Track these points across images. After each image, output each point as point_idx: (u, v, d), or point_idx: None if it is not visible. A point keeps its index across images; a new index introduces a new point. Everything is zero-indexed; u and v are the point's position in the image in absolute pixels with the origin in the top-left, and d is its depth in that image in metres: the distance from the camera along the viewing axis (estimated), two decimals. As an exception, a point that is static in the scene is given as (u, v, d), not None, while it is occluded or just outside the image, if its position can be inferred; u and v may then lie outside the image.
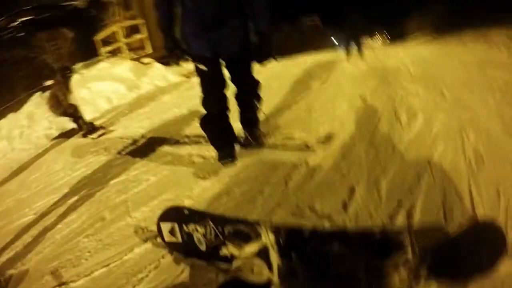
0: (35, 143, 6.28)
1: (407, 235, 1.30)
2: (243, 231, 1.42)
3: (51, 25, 14.86)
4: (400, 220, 1.65)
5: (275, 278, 1.34)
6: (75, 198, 2.94)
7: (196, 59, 2.57)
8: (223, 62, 2.64)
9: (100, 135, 5.45)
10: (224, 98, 2.68)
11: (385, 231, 1.40)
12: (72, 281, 1.75)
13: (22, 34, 13.59)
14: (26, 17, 12.95)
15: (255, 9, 2.43)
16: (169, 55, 2.64)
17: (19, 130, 6.90)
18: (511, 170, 2.01)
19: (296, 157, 2.56)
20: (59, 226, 2.47)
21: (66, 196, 3.06)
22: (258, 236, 1.39)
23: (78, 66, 11.46)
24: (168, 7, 2.50)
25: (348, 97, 4.06)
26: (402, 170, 2.12)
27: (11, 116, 8.11)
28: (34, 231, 2.50)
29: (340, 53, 10.48)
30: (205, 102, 2.69)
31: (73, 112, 5.69)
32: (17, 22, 12.75)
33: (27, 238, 2.42)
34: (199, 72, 2.60)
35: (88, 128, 5.71)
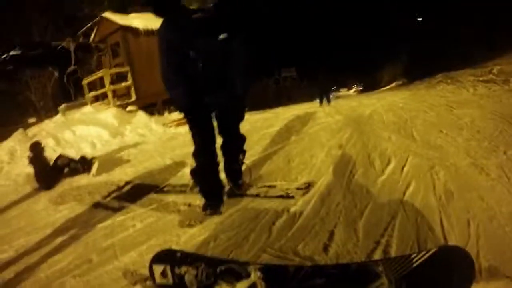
0: (15, 180, 6.13)
1: (382, 266, 1.43)
2: (234, 270, 1.52)
3: (38, 63, 15.33)
4: (378, 256, 1.77)
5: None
6: (60, 238, 2.91)
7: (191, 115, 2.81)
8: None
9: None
10: (214, 151, 2.88)
11: (361, 264, 1.52)
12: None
13: (10, 67, 13.94)
14: (16, 52, 13.14)
15: (233, 73, 2.74)
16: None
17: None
18: (479, 199, 2.20)
19: (277, 204, 2.69)
20: (43, 265, 2.44)
21: (49, 236, 3.03)
22: (248, 274, 1.50)
23: (62, 106, 11.70)
24: (183, 85, 2.66)
25: (324, 146, 4.28)
26: (377, 211, 2.28)
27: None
28: (15, 268, 2.46)
29: (316, 105, 10.99)
30: (197, 154, 2.87)
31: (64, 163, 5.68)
32: (6, 56, 12.90)
33: (7, 275, 2.38)
34: (192, 127, 2.81)
35: (83, 166, 5.69)
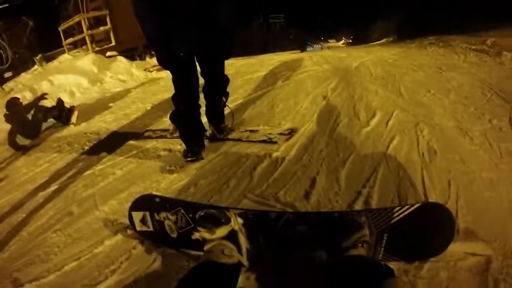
0: None
1: (365, 216, 1.41)
2: (213, 216, 1.48)
3: (10, 14, 14.29)
4: (359, 207, 1.78)
5: (244, 259, 1.44)
6: (40, 194, 2.84)
7: (174, 61, 2.58)
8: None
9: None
10: (196, 95, 2.75)
11: (344, 214, 1.51)
12: (42, 277, 1.71)
13: None
14: None
15: (220, 5, 2.49)
16: (161, 66, 2.61)
17: None
18: (461, 161, 2.22)
19: (259, 149, 2.67)
20: (24, 222, 2.39)
21: (30, 193, 2.95)
22: (227, 220, 1.46)
23: (38, 57, 11.08)
24: (156, 19, 2.40)
25: (310, 94, 4.21)
26: (359, 161, 2.28)
27: None
28: None
29: (304, 53, 10.75)
30: (177, 98, 2.74)
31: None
32: None
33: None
34: (173, 69, 2.64)
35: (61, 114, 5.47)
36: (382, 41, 19.39)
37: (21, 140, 4.94)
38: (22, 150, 4.65)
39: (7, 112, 5.16)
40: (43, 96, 5.53)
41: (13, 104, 5.32)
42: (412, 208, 1.41)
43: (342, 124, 3.02)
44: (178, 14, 2.43)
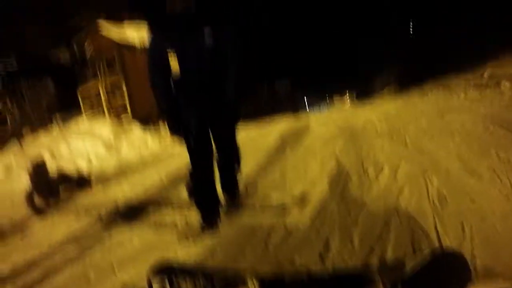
0: (10, 198, 5.99)
1: (377, 272, 1.45)
2: (231, 280, 1.53)
3: (34, 75, 15.22)
4: (373, 262, 1.80)
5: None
6: (57, 256, 2.90)
7: (186, 131, 2.77)
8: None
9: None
10: (210, 164, 2.89)
11: (357, 271, 1.54)
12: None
13: (10, 85, 14.15)
14: (12, 68, 13.46)
15: (227, 77, 2.71)
16: (172, 135, 2.79)
17: None
18: (472, 201, 2.26)
19: (273, 217, 2.72)
20: (40, 283, 2.43)
21: (46, 254, 3.01)
22: (244, 284, 1.51)
23: (57, 118, 11.84)
24: (167, 87, 2.68)
25: (319, 158, 4.33)
26: (371, 217, 2.32)
27: None
28: (11, 287, 2.46)
29: (310, 115, 11.04)
30: (191, 169, 2.86)
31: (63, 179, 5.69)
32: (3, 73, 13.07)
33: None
34: (187, 141, 2.80)
35: (80, 182, 5.75)
36: (385, 93, 19.77)
37: (39, 202, 5.13)
38: (39, 211, 4.77)
39: (32, 172, 5.40)
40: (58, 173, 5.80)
41: (38, 165, 5.58)
42: (423, 257, 1.45)
43: (351, 183, 3.09)
44: (188, 86, 2.67)
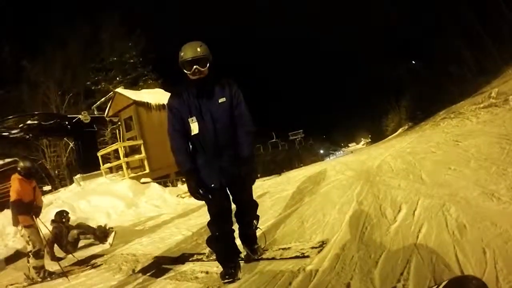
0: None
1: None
2: None
3: (54, 133, 16.17)
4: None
5: None
6: None
7: (205, 189, 2.88)
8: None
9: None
10: (230, 221, 2.98)
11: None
12: None
13: (29, 136, 14.60)
14: (33, 121, 13.78)
15: (238, 138, 2.88)
16: (192, 195, 2.90)
17: (14, 229, 6.49)
18: (492, 225, 2.24)
19: (293, 265, 2.71)
20: None
21: None
22: None
23: (77, 176, 12.19)
24: (186, 149, 2.87)
25: (336, 204, 4.31)
26: (391, 257, 2.29)
27: (6, 212, 7.84)
28: None
29: (326, 162, 11.07)
30: (212, 224, 2.96)
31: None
32: (24, 125, 13.52)
33: None
34: (206, 198, 2.90)
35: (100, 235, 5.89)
36: (399, 131, 19.80)
37: (58, 252, 5.34)
38: (58, 259, 4.89)
39: (55, 221, 5.71)
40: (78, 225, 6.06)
41: (61, 215, 5.93)
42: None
43: (370, 226, 3.07)
44: (206, 150, 2.85)
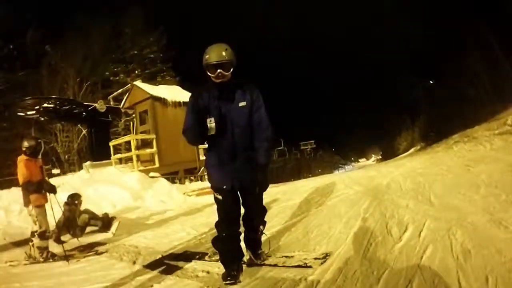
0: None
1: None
2: None
3: (69, 118, 16.59)
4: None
5: None
6: None
7: (215, 189, 2.98)
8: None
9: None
10: (238, 223, 3.03)
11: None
12: None
13: (45, 118, 15.24)
14: (50, 104, 14.14)
15: (256, 143, 2.94)
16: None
17: (19, 207, 6.64)
18: (497, 253, 2.26)
19: (295, 274, 2.73)
20: None
21: (64, 284, 3.16)
22: None
23: (87, 163, 12.30)
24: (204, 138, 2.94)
25: (343, 218, 4.33)
26: (394, 276, 2.31)
27: (14, 190, 8.03)
28: None
29: (336, 175, 11.05)
30: (219, 225, 3.01)
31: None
32: (40, 107, 13.90)
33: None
34: (216, 199, 2.98)
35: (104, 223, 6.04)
36: (411, 151, 19.68)
37: (64, 236, 5.38)
38: (61, 242, 4.91)
39: (68, 203, 5.78)
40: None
41: (75, 198, 6.00)
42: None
43: (375, 243, 3.09)
44: (222, 152, 2.93)
